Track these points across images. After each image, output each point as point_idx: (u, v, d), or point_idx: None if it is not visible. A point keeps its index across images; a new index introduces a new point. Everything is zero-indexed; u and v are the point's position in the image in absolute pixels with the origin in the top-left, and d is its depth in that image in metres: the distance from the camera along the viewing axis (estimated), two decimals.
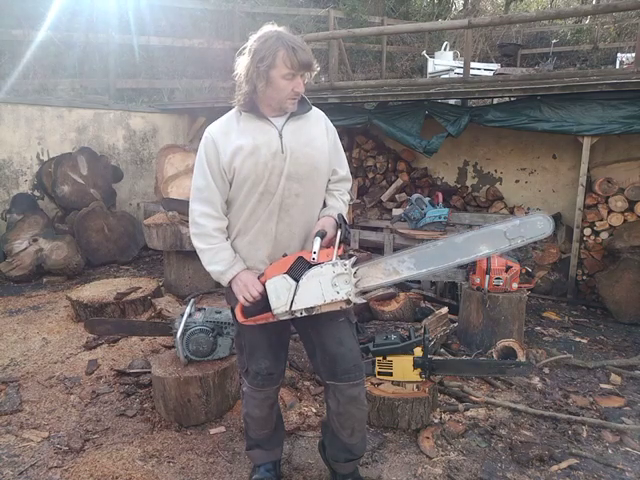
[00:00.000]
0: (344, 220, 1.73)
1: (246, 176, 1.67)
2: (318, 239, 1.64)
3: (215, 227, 1.71)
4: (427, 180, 5.66)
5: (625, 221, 4.20)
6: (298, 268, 1.61)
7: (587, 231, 4.34)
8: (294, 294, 1.59)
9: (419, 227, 4.29)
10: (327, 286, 1.59)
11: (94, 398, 2.63)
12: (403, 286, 4.19)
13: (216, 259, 1.71)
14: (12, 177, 5.21)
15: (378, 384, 2.48)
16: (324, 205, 1.84)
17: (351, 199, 5.46)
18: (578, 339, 3.60)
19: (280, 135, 1.69)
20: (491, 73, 7.61)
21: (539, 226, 1.67)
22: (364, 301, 1.69)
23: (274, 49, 1.57)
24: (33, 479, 2.05)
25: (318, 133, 1.77)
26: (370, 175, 5.90)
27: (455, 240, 1.72)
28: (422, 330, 2.66)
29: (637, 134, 4.06)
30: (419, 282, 4.24)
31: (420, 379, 2.42)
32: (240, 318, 1.70)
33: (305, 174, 1.71)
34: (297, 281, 1.59)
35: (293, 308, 1.60)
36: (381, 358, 2.45)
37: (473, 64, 7.27)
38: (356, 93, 5.18)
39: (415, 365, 2.40)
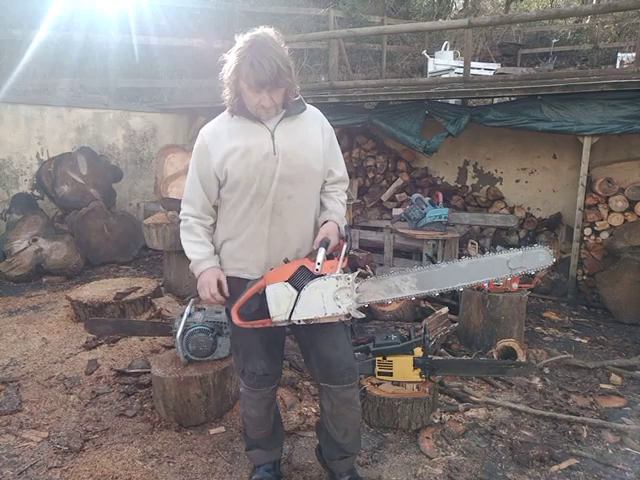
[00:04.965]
0: (349, 231, 1.71)
1: (238, 179, 1.67)
2: (322, 250, 1.60)
3: (195, 222, 1.77)
4: (427, 180, 5.66)
5: (625, 221, 4.20)
6: (300, 277, 1.59)
7: (587, 231, 4.34)
8: (294, 304, 1.58)
9: (419, 227, 4.29)
10: (329, 299, 1.58)
11: (94, 398, 2.63)
12: None
13: (192, 250, 1.76)
14: (12, 177, 5.21)
15: (378, 384, 2.48)
16: (322, 207, 1.82)
17: (351, 199, 5.46)
18: (578, 339, 3.60)
19: (272, 136, 1.67)
20: (491, 73, 7.60)
21: (540, 258, 1.74)
22: (363, 315, 1.69)
23: (240, 62, 1.57)
24: (33, 479, 2.04)
25: (312, 133, 1.75)
26: (370, 175, 5.90)
27: (459, 265, 1.75)
28: (422, 330, 2.66)
29: (637, 134, 4.06)
30: None
31: (420, 379, 2.42)
32: (236, 321, 1.68)
33: (298, 176, 1.69)
34: (298, 290, 1.58)
35: (292, 318, 1.59)
36: (381, 358, 2.45)
37: (473, 64, 7.26)
38: (356, 93, 5.18)
39: (415, 365, 2.40)
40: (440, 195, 4.46)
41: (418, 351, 2.41)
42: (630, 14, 9.17)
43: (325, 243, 1.64)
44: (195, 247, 1.76)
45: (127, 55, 6.48)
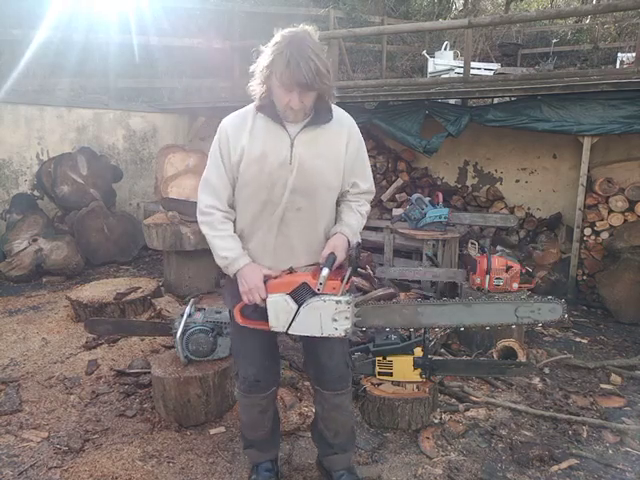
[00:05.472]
0: (358, 251, 1.65)
1: (247, 182, 1.64)
2: (326, 269, 1.56)
3: (222, 216, 1.68)
4: (427, 180, 5.65)
5: (625, 221, 4.20)
6: (302, 293, 1.58)
7: (587, 231, 4.33)
8: (293, 319, 1.58)
9: (419, 227, 4.28)
10: (327, 320, 1.57)
11: (94, 398, 2.63)
12: (403, 286, 4.18)
13: (224, 246, 1.66)
14: (12, 177, 5.21)
15: (378, 384, 2.48)
16: (338, 217, 1.76)
17: None
18: (578, 339, 3.60)
19: (292, 144, 1.61)
20: (491, 73, 7.60)
21: (551, 312, 1.72)
22: (359, 338, 1.70)
23: (275, 57, 1.50)
24: (33, 479, 2.04)
25: (335, 145, 1.66)
26: None
27: (465, 305, 1.75)
28: (422, 330, 2.66)
29: (637, 134, 4.05)
30: (419, 282, 4.23)
31: (420, 379, 2.42)
32: (238, 319, 1.69)
33: (311, 188, 1.63)
34: (298, 305, 1.57)
35: (289, 331, 1.60)
36: (381, 358, 2.45)
37: (473, 64, 7.26)
38: (356, 93, 5.17)
39: (415, 365, 2.39)
40: (440, 195, 4.45)
41: (418, 351, 2.41)
42: (630, 14, 9.16)
43: (331, 261, 1.59)
44: (226, 243, 1.66)
45: (127, 55, 6.48)
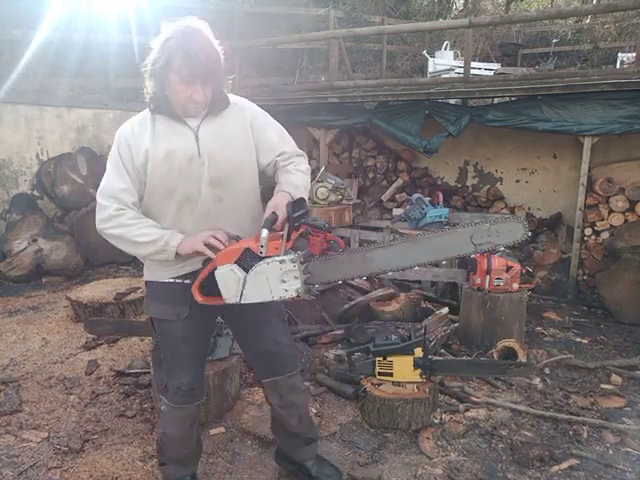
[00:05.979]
0: (300, 204, 1.55)
1: (156, 185, 1.58)
2: (265, 231, 1.48)
3: (135, 213, 1.59)
4: (427, 180, 5.65)
5: (626, 221, 4.20)
6: (248, 259, 1.53)
7: (588, 231, 4.34)
8: (243, 287, 1.52)
9: (419, 227, 4.29)
10: (275, 283, 1.51)
11: (94, 398, 2.63)
12: (403, 286, 4.18)
13: (150, 231, 1.56)
14: (12, 177, 5.20)
15: (378, 384, 2.48)
16: (277, 182, 1.69)
17: (350, 199, 5.38)
18: (579, 339, 3.60)
19: (196, 137, 1.58)
20: (491, 73, 7.60)
21: (511, 232, 1.56)
22: (314, 296, 1.66)
23: (170, 52, 1.48)
24: (33, 479, 2.05)
25: (240, 129, 1.64)
26: (370, 175, 5.90)
27: (415, 242, 1.63)
28: (422, 330, 2.66)
29: (638, 134, 4.06)
30: (419, 282, 4.23)
31: (420, 379, 2.41)
32: (198, 298, 1.62)
33: (227, 178, 1.61)
34: (247, 272, 1.52)
35: (242, 301, 1.55)
36: (381, 358, 2.45)
37: (473, 64, 7.25)
38: (356, 93, 5.17)
39: (415, 365, 2.39)
40: (440, 195, 4.45)
41: (418, 351, 2.41)
42: (630, 14, 9.16)
43: (270, 221, 1.51)
44: (151, 229, 1.57)
45: (127, 55, 6.46)
